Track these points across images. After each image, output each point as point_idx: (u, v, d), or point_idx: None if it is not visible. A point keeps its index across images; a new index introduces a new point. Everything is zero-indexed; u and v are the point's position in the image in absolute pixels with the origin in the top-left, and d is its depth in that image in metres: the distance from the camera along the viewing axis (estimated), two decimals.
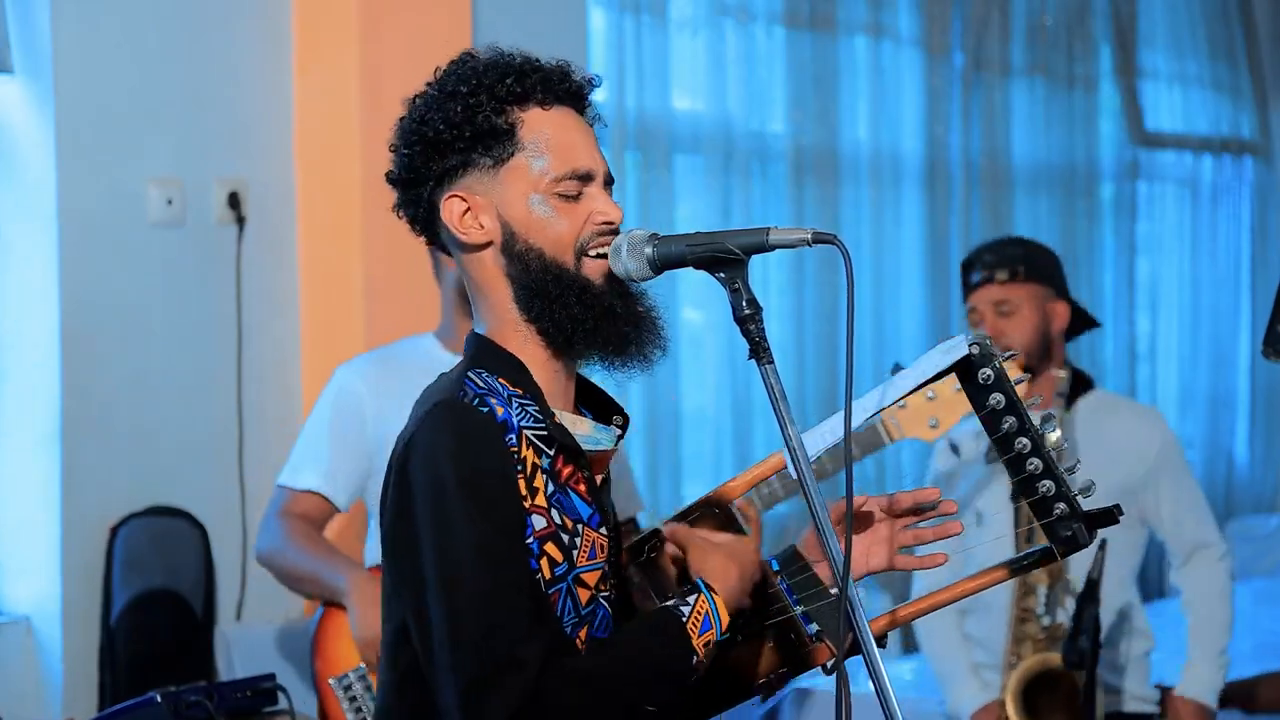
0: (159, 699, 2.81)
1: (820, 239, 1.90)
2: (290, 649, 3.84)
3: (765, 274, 5.36)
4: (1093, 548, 3.45)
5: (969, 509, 3.66)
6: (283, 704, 2.98)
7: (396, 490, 2.00)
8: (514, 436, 1.98)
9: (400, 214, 2.17)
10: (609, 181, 2.08)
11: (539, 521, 1.99)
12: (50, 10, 3.72)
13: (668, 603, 2.04)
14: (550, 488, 2.01)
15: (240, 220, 4.04)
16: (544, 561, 1.98)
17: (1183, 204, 7.15)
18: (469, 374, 2.04)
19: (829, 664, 2.04)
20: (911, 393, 2.09)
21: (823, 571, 2.11)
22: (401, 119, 2.19)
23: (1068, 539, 2.02)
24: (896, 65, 5.80)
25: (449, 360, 3.27)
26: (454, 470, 1.94)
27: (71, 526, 3.78)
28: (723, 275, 1.96)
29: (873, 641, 1.90)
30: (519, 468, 1.98)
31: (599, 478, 2.10)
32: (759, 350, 1.93)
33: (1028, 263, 3.64)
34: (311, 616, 3.44)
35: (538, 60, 2.12)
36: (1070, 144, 6.48)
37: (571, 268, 2.03)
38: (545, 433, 2.02)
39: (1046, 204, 6.38)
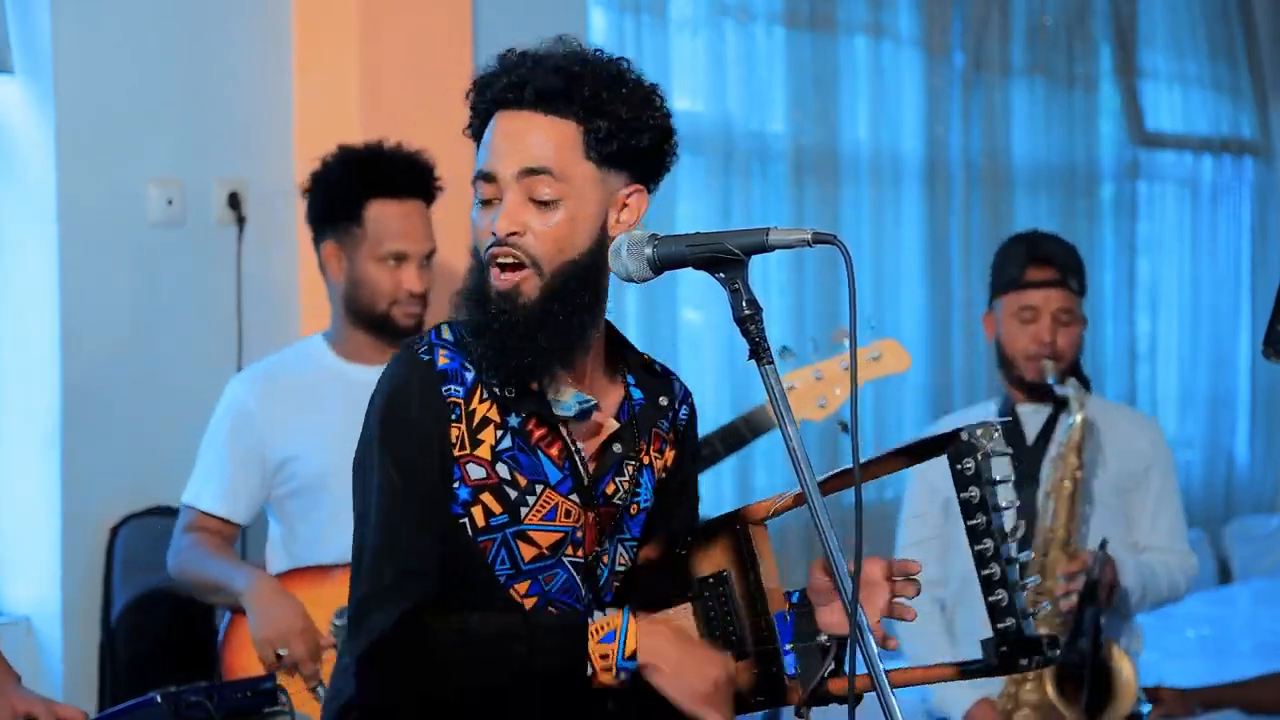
0: (159, 699, 2.81)
1: (820, 239, 1.91)
2: None
3: (765, 274, 5.36)
4: (1093, 548, 3.47)
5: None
6: (283, 704, 2.98)
7: (365, 417, 2.18)
8: (459, 388, 2.10)
9: None
10: (535, 173, 2.15)
11: (475, 471, 2.10)
12: (50, 10, 3.72)
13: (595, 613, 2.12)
14: (506, 442, 2.11)
15: (240, 220, 4.04)
16: (476, 510, 2.10)
17: (1183, 204, 7.15)
18: (448, 325, 2.18)
19: (799, 708, 2.10)
20: (895, 454, 2.13)
21: (822, 617, 2.15)
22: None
23: (1004, 655, 2.01)
24: (896, 65, 5.80)
25: (338, 364, 3.36)
26: (383, 409, 2.12)
27: (71, 526, 3.78)
28: (723, 275, 1.97)
29: (873, 642, 1.90)
30: (454, 416, 2.09)
31: (595, 445, 2.17)
32: (759, 350, 1.94)
33: (1083, 272, 3.65)
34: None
35: (525, 65, 2.27)
36: (1070, 144, 6.48)
37: (484, 273, 2.17)
38: (514, 393, 2.12)
39: (1046, 204, 6.38)
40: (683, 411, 2.30)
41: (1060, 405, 3.58)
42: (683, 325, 5.17)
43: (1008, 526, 2.02)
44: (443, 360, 2.11)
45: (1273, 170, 7.44)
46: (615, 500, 2.19)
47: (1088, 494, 3.63)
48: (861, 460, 2.04)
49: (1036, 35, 6.33)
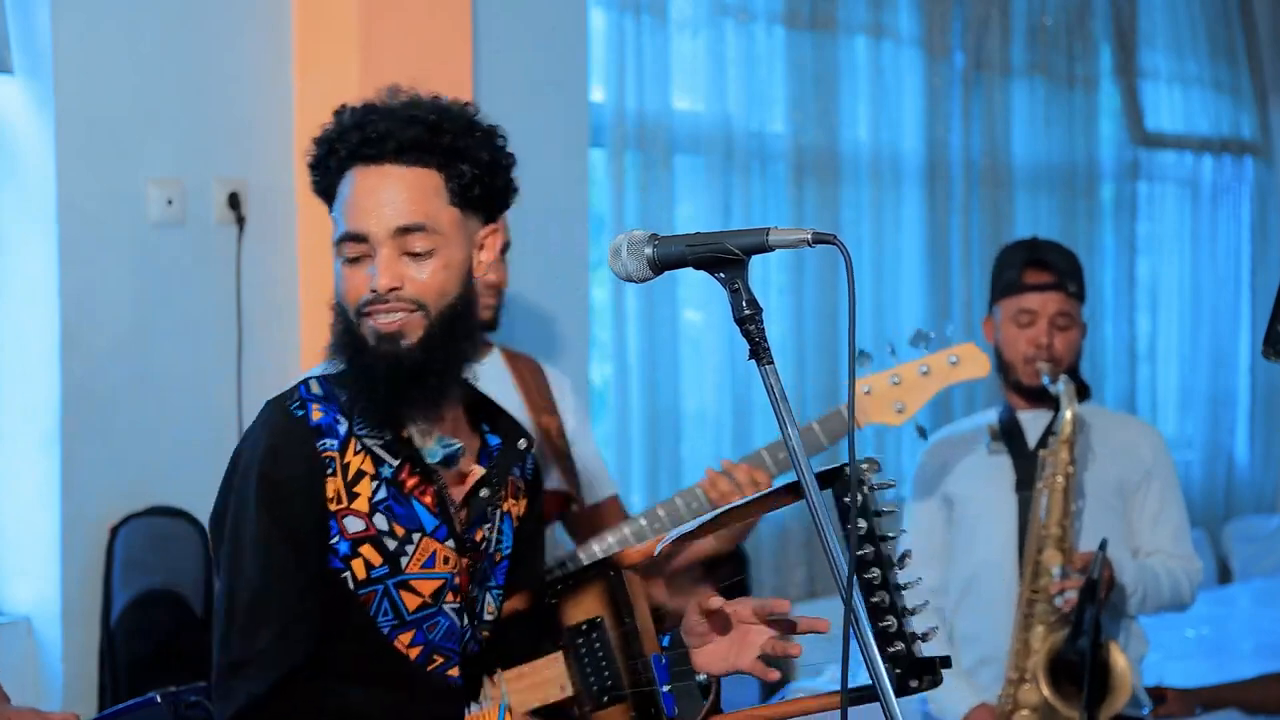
0: (159, 699, 2.81)
1: (820, 239, 1.90)
2: None
3: (765, 274, 5.36)
4: (1094, 547, 3.47)
5: (966, 498, 3.66)
6: None
7: (224, 480, 2.16)
8: (333, 441, 2.10)
9: None
10: (409, 230, 2.12)
11: (353, 524, 2.09)
12: (50, 10, 3.72)
13: (472, 705, 2.12)
14: (382, 493, 2.10)
15: (240, 220, 4.04)
16: (356, 563, 2.09)
17: (1183, 204, 7.15)
18: (320, 377, 2.17)
19: None
20: (781, 491, 2.12)
21: (697, 659, 2.18)
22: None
23: (897, 678, 2.03)
24: (896, 65, 5.80)
25: None
26: (256, 466, 2.10)
27: (71, 526, 3.78)
28: (723, 276, 1.96)
29: (874, 645, 1.90)
30: (329, 470, 2.08)
31: (464, 491, 2.17)
32: (759, 350, 1.93)
33: (1081, 277, 3.66)
34: None
35: (375, 117, 2.18)
36: (1070, 144, 6.48)
37: (355, 328, 2.14)
38: (385, 442, 2.12)
39: (1046, 204, 6.38)
40: (530, 462, 2.32)
41: (1054, 405, 3.58)
42: (683, 325, 5.17)
43: (894, 555, 2.05)
44: (316, 415, 2.12)
45: (1273, 170, 7.44)
46: (483, 548, 2.21)
47: (1088, 496, 3.63)
48: (749, 499, 2.15)
49: (1036, 35, 6.33)
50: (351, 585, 2.09)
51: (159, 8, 3.92)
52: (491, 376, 3.39)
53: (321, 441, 2.09)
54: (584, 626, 2.20)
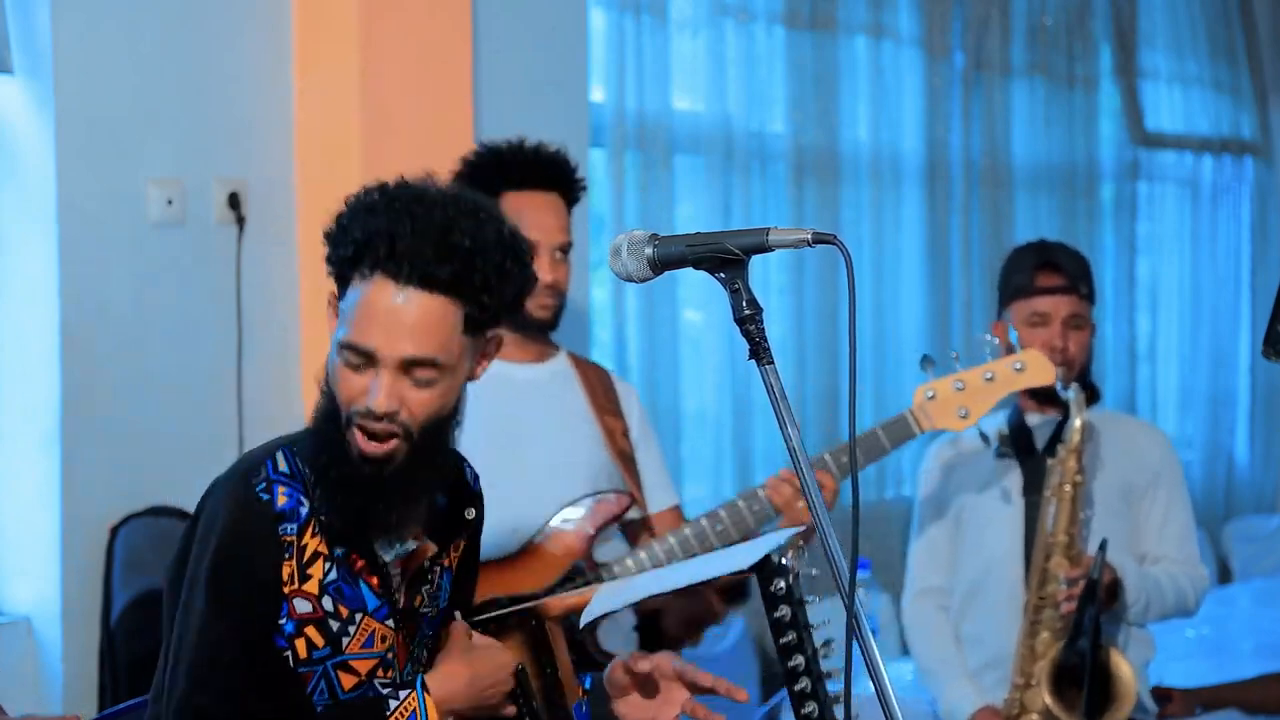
0: None
1: (820, 239, 1.90)
2: None
3: (765, 274, 5.36)
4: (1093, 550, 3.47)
5: (995, 487, 3.65)
6: None
7: (184, 538, 2.15)
8: (293, 525, 2.09)
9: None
10: (419, 363, 2.09)
11: (302, 605, 2.10)
12: (50, 10, 3.72)
13: (384, 691, 2.13)
14: (332, 575, 2.11)
15: (240, 220, 4.04)
16: (300, 642, 2.11)
17: (1183, 204, 7.15)
18: (282, 452, 2.13)
19: None
20: (700, 584, 2.16)
21: (619, 708, 2.20)
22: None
23: None
24: (896, 65, 5.80)
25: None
26: (214, 547, 2.08)
27: (71, 526, 3.78)
28: (723, 276, 1.96)
29: (873, 642, 1.90)
30: (287, 554, 2.08)
31: (412, 568, 2.17)
32: (759, 351, 1.93)
33: (1092, 279, 3.66)
34: None
35: (409, 228, 2.10)
36: (1070, 144, 6.48)
37: (341, 426, 2.10)
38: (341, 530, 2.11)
39: (1046, 204, 6.38)
40: (474, 512, 2.31)
41: (1064, 410, 3.58)
42: (683, 325, 5.17)
43: (819, 642, 2.08)
44: (281, 499, 2.10)
45: (1273, 170, 7.44)
46: (422, 610, 2.22)
47: (1095, 503, 3.63)
48: (705, 579, 2.17)
49: (1036, 35, 6.33)
50: (292, 663, 2.11)
51: (159, 8, 3.92)
52: (558, 379, 3.39)
53: (283, 526, 2.09)
54: None
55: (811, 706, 2.04)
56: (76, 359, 3.77)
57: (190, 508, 3.88)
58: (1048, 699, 3.47)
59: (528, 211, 3.31)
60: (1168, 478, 3.72)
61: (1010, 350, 3.65)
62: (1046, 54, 6.36)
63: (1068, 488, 3.51)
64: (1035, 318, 3.60)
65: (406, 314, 2.07)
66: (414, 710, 2.10)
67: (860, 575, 3.25)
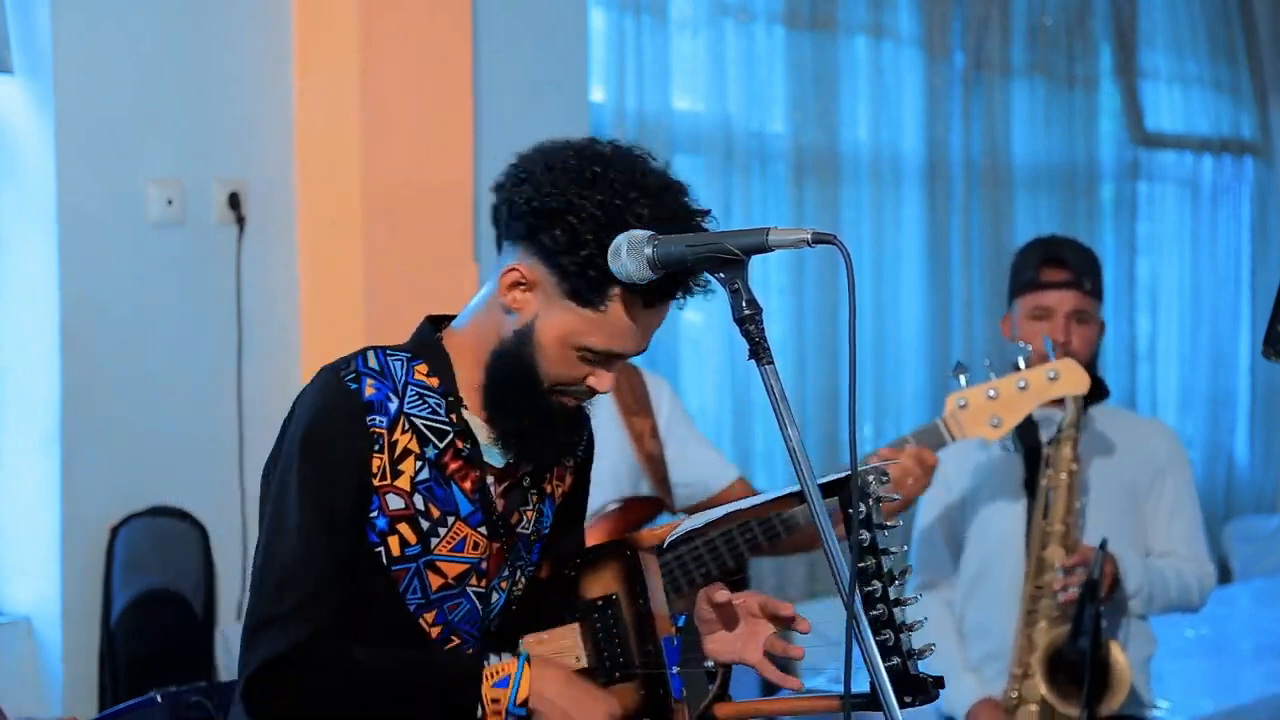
0: (159, 699, 2.81)
1: (820, 239, 1.90)
2: None
3: (765, 274, 5.36)
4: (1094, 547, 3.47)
5: (1008, 493, 3.65)
6: None
7: (278, 437, 2.17)
8: (382, 419, 2.11)
9: (498, 220, 2.25)
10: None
11: (395, 501, 2.11)
12: (50, 10, 3.72)
13: (491, 657, 2.14)
14: (424, 474, 2.12)
15: (240, 220, 4.04)
16: (393, 539, 2.12)
17: (1183, 204, 7.15)
18: (376, 350, 2.17)
19: None
20: (788, 496, 2.14)
21: (708, 645, 2.21)
22: (550, 158, 2.14)
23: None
24: (896, 65, 5.80)
25: None
26: (304, 433, 2.10)
27: (71, 526, 3.78)
28: (722, 275, 1.96)
29: (874, 645, 1.90)
30: (377, 446, 2.10)
31: (504, 484, 2.19)
32: (759, 351, 1.94)
33: (1100, 275, 3.67)
34: None
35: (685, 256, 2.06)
36: (1070, 144, 6.48)
37: (542, 394, 2.13)
38: (438, 426, 2.14)
39: (1046, 204, 6.39)
40: (585, 443, 2.35)
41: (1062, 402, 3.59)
42: (683, 325, 5.18)
43: (896, 570, 2.06)
44: (369, 390, 2.11)
45: (1273, 170, 7.44)
46: (519, 530, 2.22)
47: (1103, 501, 3.63)
48: (754, 501, 2.15)
49: (1036, 35, 6.33)
50: (385, 561, 2.11)
51: (159, 8, 3.92)
52: None
53: (371, 417, 2.10)
54: (600, 602, 2.22)
55: (887, 634, 2.03)
56: (76, 359, 3.77)
57: (190, 508, 3.92)
58: (1043, 689, 3.48)
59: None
60: (1175, 473, 3.72)
61: (1015, 344, 3.65)
62: (1046, 54, 6.36)
63: (1063, 476, 3.51)
64: (1039, 311, 3.61)
65: (655, 323, 2.14)
66: (509, 675, 2.11)
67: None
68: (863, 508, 2.04)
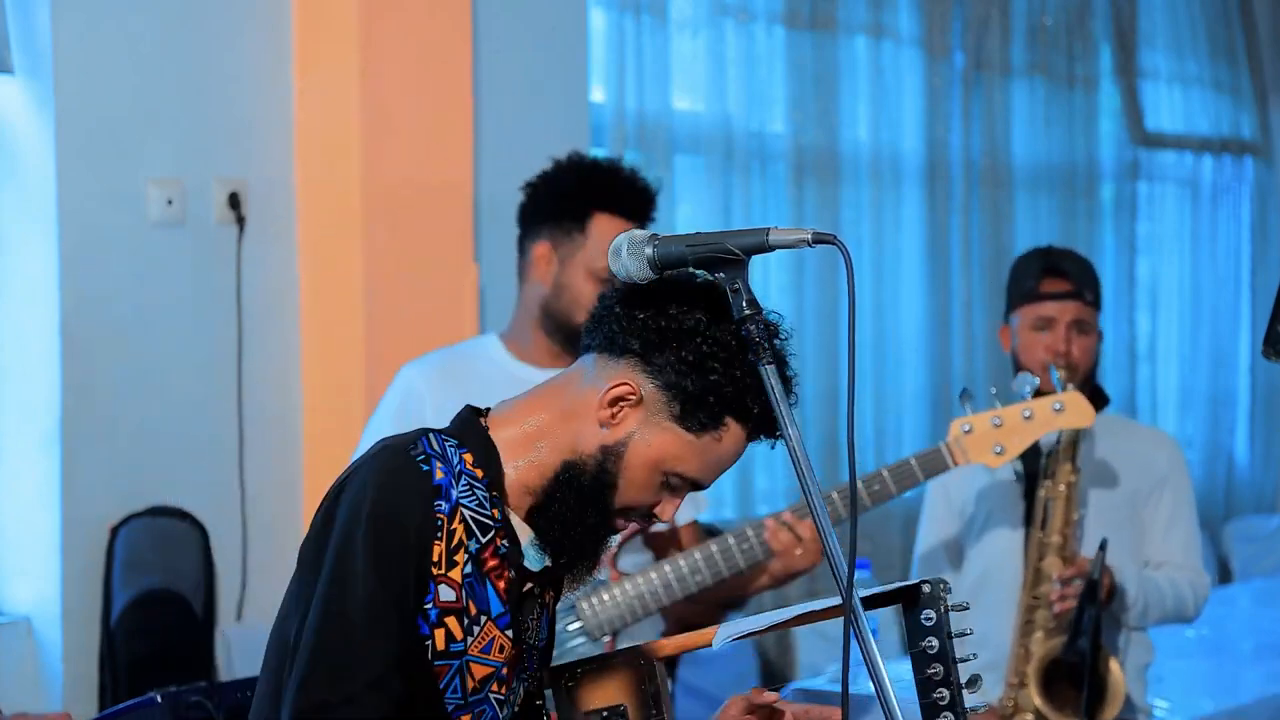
0: (159, 699, 2.81)
1: (820, 239, 1.90)
2: None
3: (765, 274, 5.36)
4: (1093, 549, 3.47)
5: (1004, 518, 3.65)
6: None
7: (324, 513, 2.05)
8: (445, 505, 2.02)
9: (592, 313, 2.15)
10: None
11: (446, 593, 2.02)
12: (50, 10, 3.72)
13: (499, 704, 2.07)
14: (469, 568, 2.04)
15: (240, 220, 4.04)
16: (440, 633, 2.03)
17: (1183, 204, 7.15)
18: (433, 435, 2.08)
19: None
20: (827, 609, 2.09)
21: None
22: (684, 285, 2.08)
23: None
24: (896, 65, 5.80)
25: (513, 364, 3.27)
26: (371, 514, 1.99)
27: (71, 526, 3.78)
28: (723, 275, 1.96)
29: (874, 645, 1.90)
30: (439, 535, 2.01)
31: (535, 588, 2.12)
32: (759, 350, 1.93)
33: (1099, 285, 3.67)
34: None
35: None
36: (1070, 144, 6.48)
37: (609, 513, 2.09)
38: (484, 520, 2.05)
39: (1046, 204, 6.38)
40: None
41: None
42: None
43: (964, 679, 2.04)
44: (438, 474, 2.03)
45: (1273, 170, 7.44)
46: (529, 639, 2.15)
47: (1102, 511, 3.63)
48: (796, 611, 2.08)
49: (1036, 35, 6.33)
50: (430, 655, 2.02)
51: (159, 8, 3.92)
52: None
53: (438, 503, 2.02)
54: (604, 713, 2.15)
55: None
56: (76, 359, 3.77)
57: (190, 508, 3.92)
58: (1036, 700, 3.49)
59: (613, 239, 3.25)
60: (1174, 483, 3.72)
61: (1016, 361, 3.65)
62: (1046, 54, 6.36)
63: (1062, 488, 3.52)
64: (1040, 322, 3.61)
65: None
66: None
67: (860, 575, 3.24)
68: (933, 614, 2.01)
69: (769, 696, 2.12)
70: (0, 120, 3.80)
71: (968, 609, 2.06)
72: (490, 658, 2.07)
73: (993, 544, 3.66)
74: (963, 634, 2.03)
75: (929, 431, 5.71)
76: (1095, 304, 3.66)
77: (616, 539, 2.24)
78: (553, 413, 2.10)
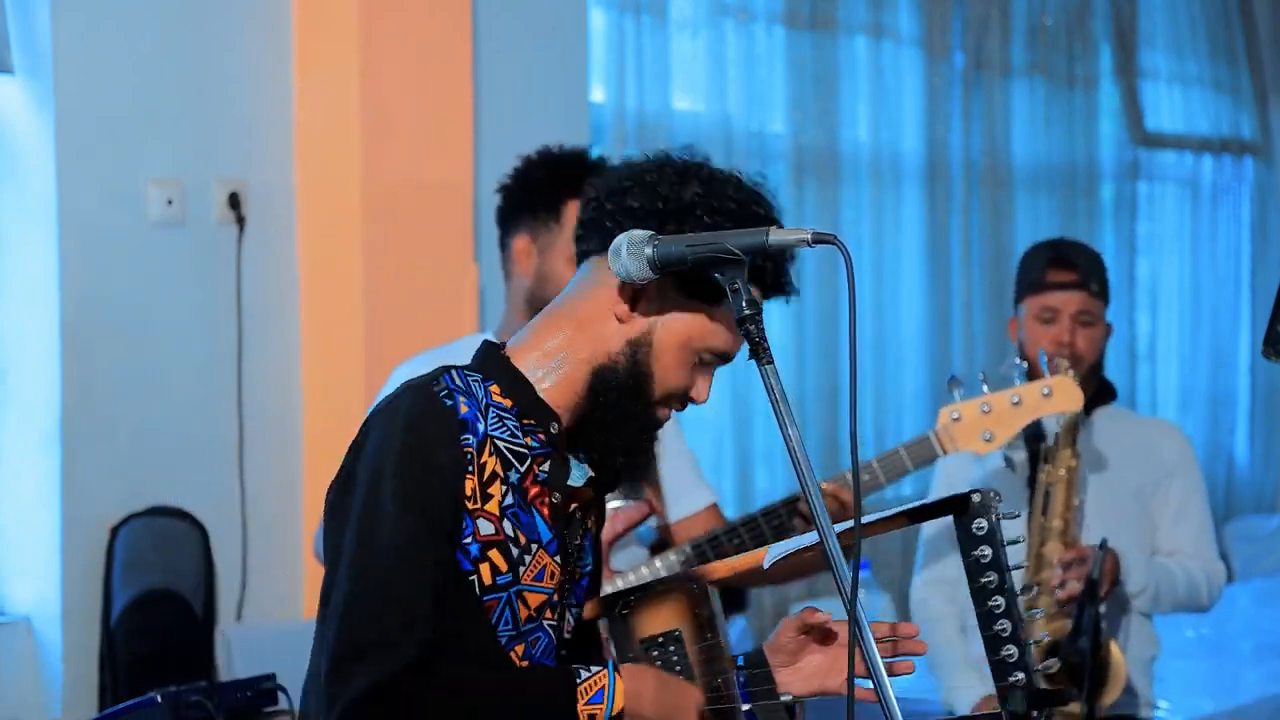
0: (159, 699, 2.81)
1: (820, 239, 1.90)
2: (290, 649, 3.83)
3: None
4: (1095, 548, 3.47)
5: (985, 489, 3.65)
6: (283, 704, 2.98)
7: (349, 458, 2.05)
8: (473, 438, 2.02)
9: (582, 219, 2.16)
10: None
11: (486, 526, 2.02)
12: (50, 10, 3.72)
13: (575, 665, 2.06)
14: (510, 499, 2.04)
15: (240, 220, 4.04)
16: (485, 567, 2.02)
17: (1183, 204, 7.15)
18: (455, 372, 2.08)
19: None
20: (899, 515, 2.11)
21: (781, 677, 2.14)
22: (644, 167, 2.14)
23: (1018, 710, 2.02)
24: (896, 65, 5.80)
25: None
26: (397, 454, 1.99)
27: (71, 526, 3.78)
28: (722, 275, 1.96)
29: (875, 647, 1.90)
30: (470, 469, 2.01)
31: (577, 510, 2.13)
32: (759, 350, 1.94)
33: (1106, 278, 3.67)
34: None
35: (788, 255, 2.10)
36: (1070, 144, 6.48)
37: (651, 405, 2.09)
38: (519, 449, 2.05)
39: (1046, 204, 6.39)
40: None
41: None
42: None
43: (1018, 586, 2.04)
44: (463, 408, 2.02)
45: (1273, 170, 7.44)
46: (574, 563, 2.15)
47: (1108, 502, 3.63)
48: (868, 517, 2.11)
49: (1036, 35, 6.33)
50: (477, 590, 2.02)
51: (159, 8, 3.92)
52: None
53: (464, 436, 2.01)
54: (660, 639, 2.14)
55: (1010, 650, 2.01)
56: (76, 359, 3.77)
57: (190, 508, 3.92)
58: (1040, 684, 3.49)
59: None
60: (1183, 473, 3.72)
61: (1022, 352, 3.65)
62: (1046, 54, 6.36)
63: (1062, 472, 3.52)
64: (1045, 313, 3.62)
65: None
66: (602, 688, 2.02)
67: (861, 575, 3.25)
68: (984, 524, 2.02)
69: (821, 616, 2.12)
70: (0, 120, 3.80)
71: (1018, 517, 2.06)
72: (543, 585, 2.07)
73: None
74: (1014, 542, 2.03)
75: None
76: (1102, 296, 3.66)
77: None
78: (569, 327, 2.11)
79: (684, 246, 1.97)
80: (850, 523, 1.99)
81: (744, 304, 1.94)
